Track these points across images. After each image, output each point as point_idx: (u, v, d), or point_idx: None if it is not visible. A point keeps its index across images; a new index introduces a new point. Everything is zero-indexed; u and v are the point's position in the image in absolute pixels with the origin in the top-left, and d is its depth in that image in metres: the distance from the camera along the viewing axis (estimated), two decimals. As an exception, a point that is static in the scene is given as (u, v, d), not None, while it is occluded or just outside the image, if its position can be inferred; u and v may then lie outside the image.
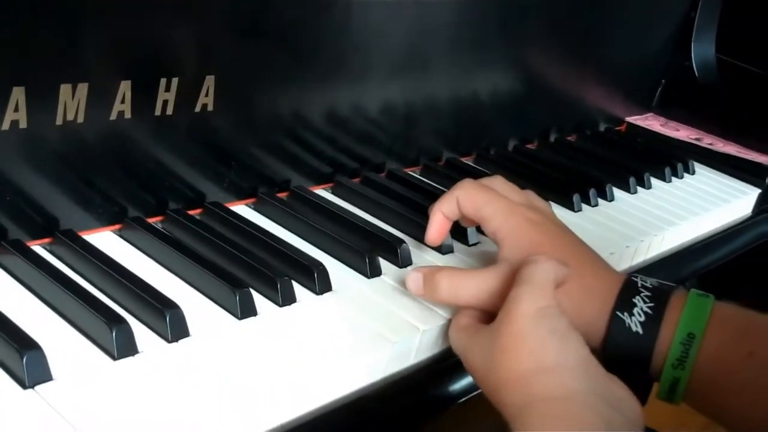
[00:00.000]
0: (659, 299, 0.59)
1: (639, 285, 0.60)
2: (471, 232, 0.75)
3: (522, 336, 0.52)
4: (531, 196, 0.69)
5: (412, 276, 0.62)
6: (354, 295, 0.64)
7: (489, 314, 0.58)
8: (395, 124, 0.85)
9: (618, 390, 0.51)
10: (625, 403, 0.50)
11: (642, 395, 0.54)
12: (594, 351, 0.54)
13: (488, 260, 0.71)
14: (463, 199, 0.65)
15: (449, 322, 0.61)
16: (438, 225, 0.68)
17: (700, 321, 0.57)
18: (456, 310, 0.61)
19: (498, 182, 0.68)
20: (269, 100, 0.72)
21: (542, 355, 0.52)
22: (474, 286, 0.59)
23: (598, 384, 0.51)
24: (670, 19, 1.18)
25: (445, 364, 0.61)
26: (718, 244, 0.96)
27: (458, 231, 0.73)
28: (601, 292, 0.61)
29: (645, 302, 0.59)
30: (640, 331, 0.58)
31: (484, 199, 0.65)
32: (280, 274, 0.61)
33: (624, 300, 0.59)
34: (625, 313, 0.59)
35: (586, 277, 0.61)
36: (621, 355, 0.59)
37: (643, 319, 0.58)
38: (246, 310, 0.58)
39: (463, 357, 0.57)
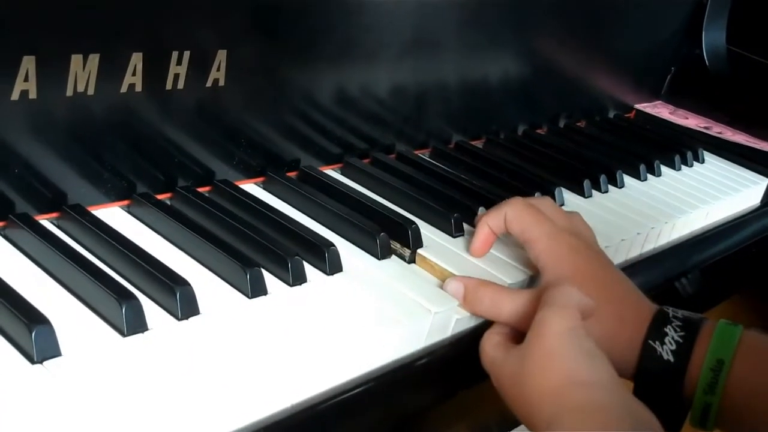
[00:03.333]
0: (690, 329, 0.61)
1: (670, 315, 0.62)
2: None
3: (553, 353, 0.53)
4: (576, 220, 0.70)
5: (454, 285, 0.62)
6: (365, 276, 0.63)
7: (520, 333, 0.58)
8: (405, 105, 0.84)
9: (644, 413, 0.51)
10: (651, 426, 0.51)
11: (676, 423, 0.58)
12: (624, 378, 0.56)
13: (500, 248, 0.71)
14: (511, 217, 0.67)
15: (460, 307, 0.61)
16: (484, 238, 0.69)
17: (729, 348, 0.59)
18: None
19: (546, 204, 0.69)
20: (281, 77, 0.71)
21: (574, 371, 0.52)
22: (516, 305, 0.60)
23: (627, 402, 0.51)
24: (681, 7, 1.17)
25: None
26: (728, 233, 0.95)
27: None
28: (633, 320, 0.62)
29: (676, 331, 0.61)
30: (672, 359, 0.60)
31: (531, 221, 0.66)
32: (290, 254, 0.60)
33: (656, 329, 0.61)
34: (657, 342, 0.61)
35: (619, 306, 0.63)
36: (653, 383, 0.61)
37: (674, 347, 0.60)
38: (257, 289, 0.57)
39: (493, 373, 0.57)
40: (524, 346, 0.55)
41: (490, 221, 0.68)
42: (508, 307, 0.60)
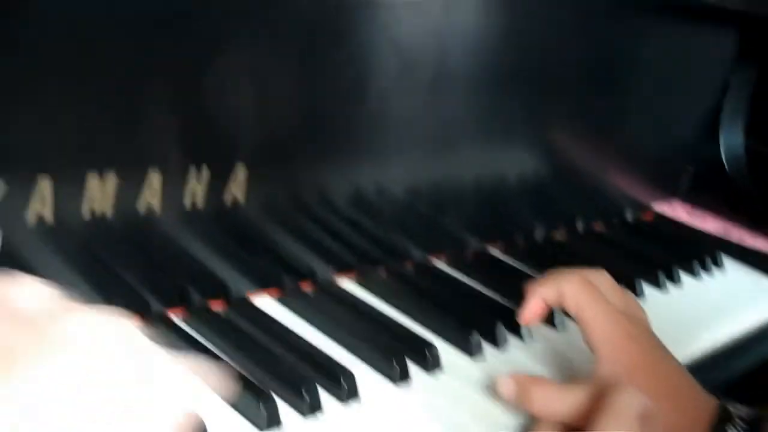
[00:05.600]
0: (753, 427, 0.58)
1: (733, 413, 0.59)
2: (525, 330, 0.73)
3: None
4: (631, 300, 0.68)
5: (506, 382, 0.61)
6: (381, 404, 0.61)
7: (569, 430, 0.57)
8: (421, 212, 0.83)
9: None
10: None
11: None
12: None
13: (522, 368, 0.69)
14: (567, 294, 0.65)
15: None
16: (535, 308, 0.67)
17: None
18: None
19: (602, 279, 0.67)
20: (297, 190, 0.70)
21: None
22: (569, 404, 0.58)
23: None
24: (699, 108, 1.16)
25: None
26: (752, 345, 0.93)
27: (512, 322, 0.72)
28: (693, 416, 0.60)
29: (738, 431, 0.59)
30: None
31: (588, 301, 0.64)
32: (306, 381, 0.58)
33: (719, 428, 0.59)
34: None
35: (678, 400, 0.61)
36: None
37: None
38: (271, 421, 0.55)
39: None
40: None
41: (543, 293, 0.66)
42: (561, 406, 0.59)
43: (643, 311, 0.69)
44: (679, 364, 0.64)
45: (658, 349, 0.65)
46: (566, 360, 0.71)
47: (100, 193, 0.56)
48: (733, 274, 1.04)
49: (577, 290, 0.64)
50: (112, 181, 0.56)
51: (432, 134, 0.80)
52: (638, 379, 0.59)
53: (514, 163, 0.93)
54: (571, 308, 0.65)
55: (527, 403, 0.60)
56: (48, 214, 0.54)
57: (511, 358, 0.71)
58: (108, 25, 0.53)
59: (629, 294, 0.69)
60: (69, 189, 0.54)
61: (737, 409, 0.60)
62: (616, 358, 0.62)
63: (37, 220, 0.53)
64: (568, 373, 0.69)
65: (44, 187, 0.53)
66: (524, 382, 0.61)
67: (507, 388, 0.61)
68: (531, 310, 0.67)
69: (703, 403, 0.61)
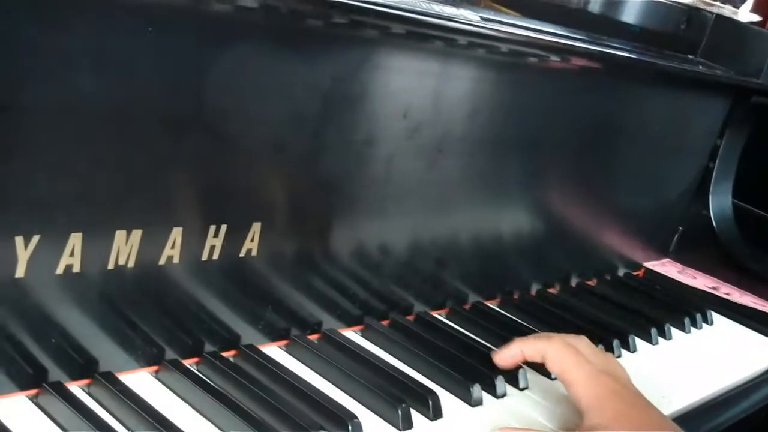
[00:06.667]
0: None
1: None
2: (521, 375, 0.77)
3: None
4: (610, 360, 0.73)
5: None
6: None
7: None
8: (424, 268, 0.87)
9: None
10: None
11: None
12: None
13: (520, 417, 0.72)
14: (551, 357, 0.70)
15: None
16: (513, 359, 0.74)
17: None
18: None
19: (583, 344, 0.73)
20: (309, 245, 0.73)
21: None
22: None
23: None
24: (689, 169, 1.21)
25: None
26: (737, 398, 0.96)
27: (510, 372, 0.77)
28: None
29: None
30: None
31: (572, 363, 0.69)
32: (315, 427, 0.61)
33: None
34: None
35: None
36: None
37: None
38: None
39: None
40: None
41: (525, 350, 0.72)
42: None
43: (623, 369, 0.73)
44: (661, 413, 0.68)
45: (640, 400, 0.69)
46: (561, 408, 0.74)
47: (125, 247, 0.59)
48: (721, 329, 1.07)
49: (559, 353, 0.70)
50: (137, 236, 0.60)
51: (434, 195, 0.84)
52: (620, 428, 0.63)
53: (512, 222, 0.96)
54: (555, 370, 0.70)
55: None
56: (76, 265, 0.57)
57: (509, 406, 0.74)
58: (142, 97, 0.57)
59: (609, 355, 0.74)
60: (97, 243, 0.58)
61: None
62: (601, 412, 0.66)
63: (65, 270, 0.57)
64: (562, 420, 0.72)
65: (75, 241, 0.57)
66: None
67: None
68: (508, 359, 0.73)
69: None
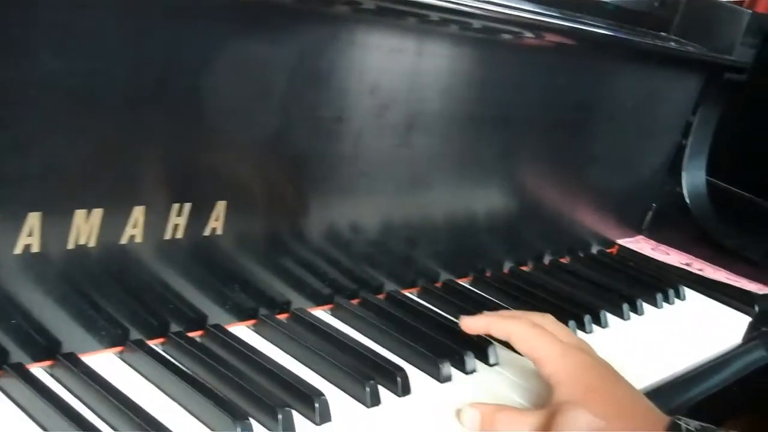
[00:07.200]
0: None
1: (683, 427, 0.63)
2: (491, 351, 0.77)
3: None
4: (575, 337, 0.73)
5: (469, 414, 0.65)
6: (354, 426, 0.63)
7: None
8: (395, 246, 0.86)
9: None
10: None
11: None
12: None
13: (490, 393, 0.72)
14: (518, 338, 0.70)
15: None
16: (477, 328, 0.74)
17: None
18: None
19: (549, 322, 0.73)
20: (276, 224, 0.73)
21: None
22: (529, 425, 0.63)
23: None
24: (663, 146, 1.21)
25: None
26: (709, 373, 0.96)
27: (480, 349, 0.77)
28: None
29: None
30: None
31: (540, 341, 0.69)
32: (281, 404, 0.61)
33: None
34: None
35: (632, 419, 0.64)
36: None
37: None
38: (247, 444, 0.58)
39: None
40: None
41: (491, 329, 0.72)
42: (523, 429, 0.63)
43: (589, 347, 0.73)
44: (631, 386, 0.68)
45: (611, 374, 0.69)
46: (531, 383, 0.74)
47: (86, 227, 0.59)
48: (694, 304, 1.08)
49: (526, 334, 0.70)
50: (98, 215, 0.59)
51: (405, 173, 0.84)
52: (592, 401, 0.63)
53: (484, 200, 0.96)
54: (523, 349, 0.70)
55: (492, 429, 0.64)
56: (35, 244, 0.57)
57: (479, 382, 0.74)
58: (105, 75, 0.57)
59: (574, 334, 0.74)
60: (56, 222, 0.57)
61: (687, 424, 0.63)
62: (572, 386, 0.66)
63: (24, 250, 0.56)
64: (533, 395, 0.72)
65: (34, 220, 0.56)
66: (488, 409, 0.65)
67: (471, 418, 0.65)
68: (473, 328, 0.73)
69: (656, 421, 0.64)
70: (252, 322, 0.74)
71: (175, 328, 0.69)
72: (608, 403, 0.64)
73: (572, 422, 0.60)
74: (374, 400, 0.67)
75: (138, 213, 0.61)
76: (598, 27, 0.97)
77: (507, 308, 0.90)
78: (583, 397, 0.64)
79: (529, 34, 0.88)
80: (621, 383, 0.69)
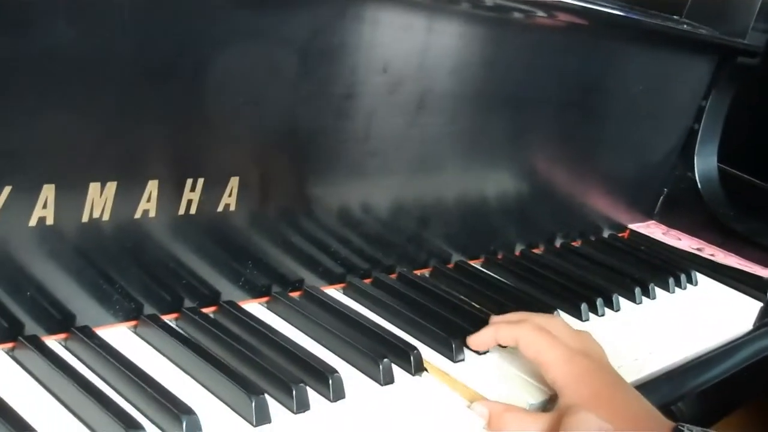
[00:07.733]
0: None
1: None
2: None
3: None
4: (586, 340, 0.72)
5: (480, 411, 0.65)
6: (368, 403, 0.63)
7: None
8: (407, 227, 0.86)
9: None
10: None
11: None
12: None
13: (501, 372, 0.72)
14: (525, 342, 0.70)
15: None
16: (486, 342, 0.73)
17: None
18: None
19: (557, 325, 0.72)
20: (288, 201, 0.73)
21: None
22: (537, 426, 0.63)
23: None
24: (674, 131, 1.20)
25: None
26: (721, 358, 0.96)
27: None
28: None
29: None
30: None
31: (545, 346, 0.69)
32: (295, 381, 0.61)
33: None
34: None
35: (635, 425, 0.64)
36: None
37: None
38: (261, 418, 0.57)
39: None
40: None
41: (499, 336, 0.72)
42: (531, 430, 0.63)
43: (599, 347, 0.72)
44: (636, 392, 0.68)
45: (616, 380, 0.69)
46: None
47: (100, 200, 0.59)
48: (705, 289, 1.07)
49: (533, 339, 0.69)
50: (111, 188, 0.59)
51: (417, 153, 0.83)
52: (597, 406, 0.63)
53: (497, 182, 0.96)
54: (529, 355, 0.70)
55: (500, 428, 0.64)
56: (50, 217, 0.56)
57: (491, 362, 0.74)
58: (119, 48, 0.56)
59: (585, 334, 0.73)
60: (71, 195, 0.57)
61: (690, 430, 0.63)
62: (577, 391, 0.66)
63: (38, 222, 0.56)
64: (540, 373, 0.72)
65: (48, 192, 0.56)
66: (497, 408, 0.65)
67: (481, 413, 0.65)
68: (481, 342, 0.73)
69: (660, 427, 0.64)
70: (265, 299, 0.74)
71: (188, 303, 0.69)
72: (612, 408, 0.64)
73: (581, 424, 0.59)
74: (388, 378, 0.67)
75: (152, 187, 0.61)
76: (611, 8, 0.96)
77: (518, 291, 0.90)
78: (587, 402, 0.64)
79: (541, 13, 0.87)
80: (625, 389, 0.69)
